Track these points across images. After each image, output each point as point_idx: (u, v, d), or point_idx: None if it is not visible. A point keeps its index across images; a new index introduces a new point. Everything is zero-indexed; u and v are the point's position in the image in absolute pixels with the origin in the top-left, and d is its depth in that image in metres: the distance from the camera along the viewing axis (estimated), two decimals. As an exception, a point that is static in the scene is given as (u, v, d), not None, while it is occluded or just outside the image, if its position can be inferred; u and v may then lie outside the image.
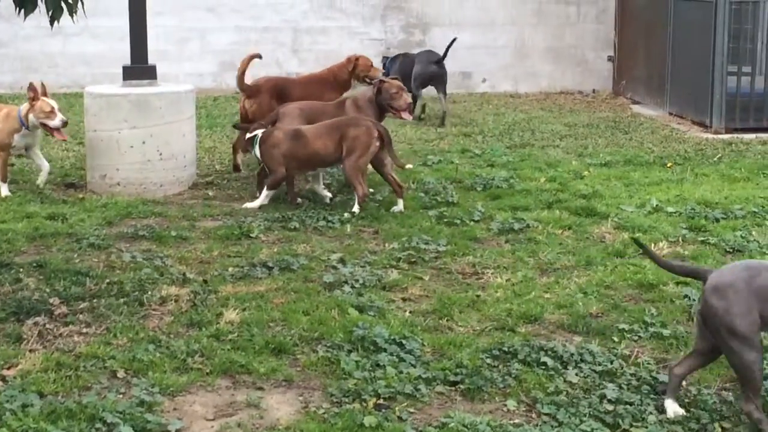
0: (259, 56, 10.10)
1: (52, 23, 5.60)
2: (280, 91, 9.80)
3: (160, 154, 9.02)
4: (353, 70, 10.06)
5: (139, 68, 9.39)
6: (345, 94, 9.83)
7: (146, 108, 8.98)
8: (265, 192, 8.56)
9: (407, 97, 9.11)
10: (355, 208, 8.29)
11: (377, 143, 8.30)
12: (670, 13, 13.71)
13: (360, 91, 9.63)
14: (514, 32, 16.13)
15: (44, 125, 8.78)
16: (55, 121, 8.72)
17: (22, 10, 5.58)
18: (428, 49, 14.33)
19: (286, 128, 8.57)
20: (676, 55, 13.57)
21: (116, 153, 8.96)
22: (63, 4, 5.51)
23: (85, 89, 9.42)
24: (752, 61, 12.60)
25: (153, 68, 9.48)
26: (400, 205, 8.43)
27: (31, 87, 8.78)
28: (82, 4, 5.70)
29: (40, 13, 5.74)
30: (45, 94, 8.83)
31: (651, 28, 14.57)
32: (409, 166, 9.47)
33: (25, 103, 8.86)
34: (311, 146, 8.37)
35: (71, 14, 5.58)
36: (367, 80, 10.82)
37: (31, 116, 8.74)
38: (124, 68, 9.46)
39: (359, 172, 8.31)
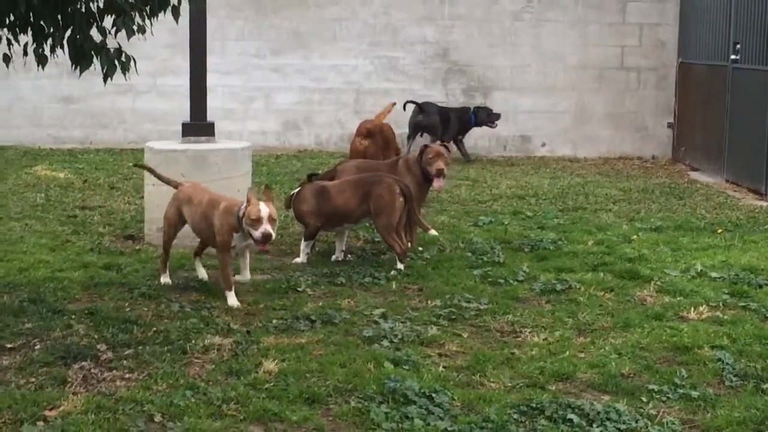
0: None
1: (105, 80, 5.87)
2: (381, 131, 11.31)
3: (216, 209, 9.26)
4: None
5: (198, 125, 9.67)
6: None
7: (203, 163, 9.25)
8: (303, 244, 8.79)
9: (440, 164, 9.12)
10: (399, 266, 8.45)
11: (401, 199, 8.48)
12: (727, 80, 13.80)
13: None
14: (574, 97, 16.30)
15: (249, 234, 7.40)
16: (257, 232, 7.28)
17: (78, 67, 5.86)
18: (426, 102, 15.45)
19: (313, 185, 8.78)
20: (733, 123, 13.63)
21: (173, 207, 9.22)
22: (116, 62, 5.77)
23: (146, 144, 9.70)
24: (809, 129, 12.63)
25: (211, 125, 9.77)
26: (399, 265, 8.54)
27: (248, 197, 7.39)
28: (135, 62, 5.97)
29: (95, 70, 6.02)
30: (270, 198, 7.45)
31: (709, 96, 14.65)
32: (432, 232, 9.36)
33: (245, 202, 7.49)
34: (333, 202, 8.58)
35: (124, 72, 5.85)
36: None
37: (244, 220, 7.40)
38: (184, 125, 9.76)
39: (392, 231, 8.48)
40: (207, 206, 7.73)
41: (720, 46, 14.33)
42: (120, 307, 7.30)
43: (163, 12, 6.06)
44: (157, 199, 9.33)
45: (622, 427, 5.33)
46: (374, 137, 11.29)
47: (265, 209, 7.29)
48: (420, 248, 9.17)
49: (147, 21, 6.03)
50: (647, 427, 5.35)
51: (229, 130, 15.62)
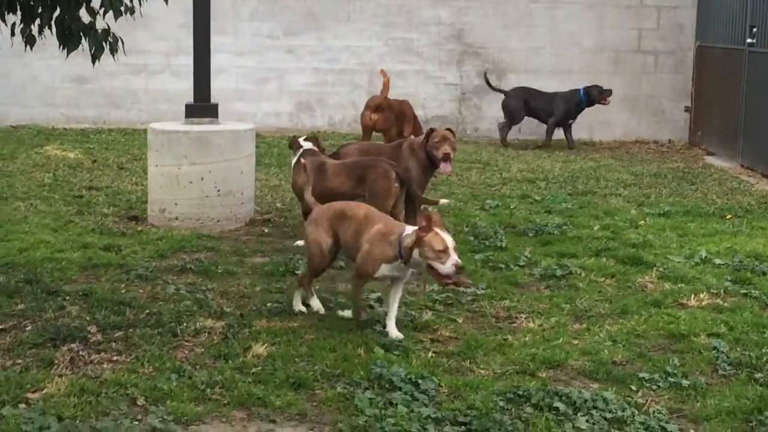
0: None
1: (93, 61, 5.83)
2: (390, 107, 11.84)
3: (218, 191, 9.24)
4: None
5: (201, 106, 9.63)
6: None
7: (206, 145, 9.21)
8: (305, 225, 8.74)
9: (447, 148, 8.96)
10: None
11: (396, 185, 8.37)
12: (744, 64, 13.65)
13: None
14: (590, 80, 16.09)
15: (430, 267, 6.22)
16: (446, 266, 6.13)
17: (66, 48, 5.82)
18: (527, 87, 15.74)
19: (316, 159, 8.69)
20: (749, 107, 13.49)
21: (175, 188, 9.21)
22: (104, 44, 5.73)
23: (149, 125, 9.67)
24: (825, 114, 12.48)
25: (215, 107, 9.72)
26: None
27: (426, 215, 6.26)
28: (122, 43, 5.92)
29: (83, 51, 5.98)
30: (438, 224, 6.28)
31: (726, 80, 14.50)
32: (444, 201, 9.26)
33: (408, 227, 6.42)
34: (329, 182, 8.43)
35: (112, 53, 5.81)
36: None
37: (416, 251, 6.26)
38: (187, 106, 9.72)
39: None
40: (362, 221, 6.60)
41: (737, 30, 14.18)
42: (115, 289, 7.28)
43: (152, -9, 6.02)
44: (160, 180, 9.33)
45: (608, 415, 5.26)
46: (384, 111, 11.45)
47: (449, 238, 6.20)
48: (423, 232, 9.09)
49: (137, 1, 5.98)
50: (633, 416, 5.28)
51: (242, 111, 15.60)
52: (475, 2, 16.11)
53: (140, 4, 6.03)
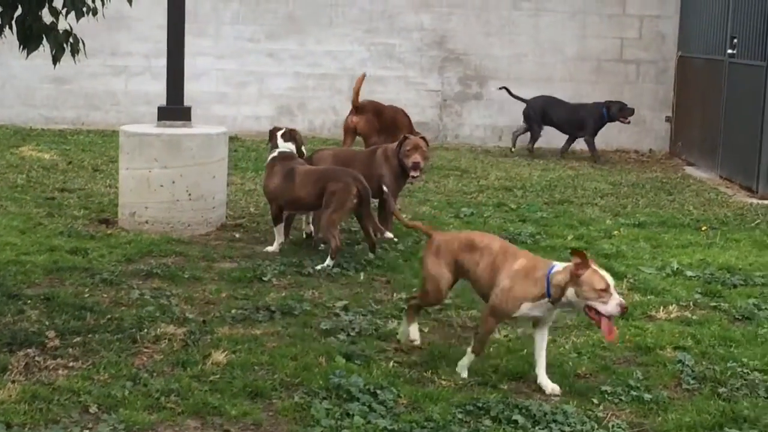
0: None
1: (54, 63, 5.75)
2: (379, 112, 11.73)
3: (189, 195, 9.15)
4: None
5: (174, 109, 9.55)
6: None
7: (177, 148, 9.13)
8: (275, 229, 8.68)
9: (417, 157, 8.98)
10: (328, 262, 8.22)
11: (355, 200, 8.31)
12: (724, 75, 13.62)
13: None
14: (572, 89, 16.05)
15: (590, 309, 5.60)
16: (609, 306, 5.53)
17: (26, 49, 5.74)
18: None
19: (286, 164, 8.63)
20: (729, 118, 13.45)
21: (146, 191, 9.12)
22: (65, 45, 5.65)
23: (120, 128, 9.59)
24: (803, 127, 12.43)
25: (188, 110, 9.64)
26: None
27: (578, 253, 5.64)
28: (83, 45, 5.84)
29: (44, 51, 5.90)
30: (592, 260, 5.73)
31: (706, 90, 14.47)
32: (388, 235, 9.06)
33: (557, 263, 5.82)
34: (295, 191, 8.47)
35: (73, 55, 5.72)
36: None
37: (570, 290, 5.65)
38: (159, 109, 9.64)
39: (333, 226, 8.30)
40: (499, 254, 5.97)
41: (718, 40, 14.14)
42: (78, 293, 7.19)
43: (116, -8, 5.94)
44: (131, 183, 9.25)
45: (567, 429, 5.21)
46: (365, 114, 11.30)
47: (609, 276, 5.65)
48: (395, 240, 9.04)
49: (99, 2, 5.89)
50: (593, 430, 5.22)
51: (221, 114, 15.52)
52: (457, 9, 16.05)
53: (103, 4, 5.94)
